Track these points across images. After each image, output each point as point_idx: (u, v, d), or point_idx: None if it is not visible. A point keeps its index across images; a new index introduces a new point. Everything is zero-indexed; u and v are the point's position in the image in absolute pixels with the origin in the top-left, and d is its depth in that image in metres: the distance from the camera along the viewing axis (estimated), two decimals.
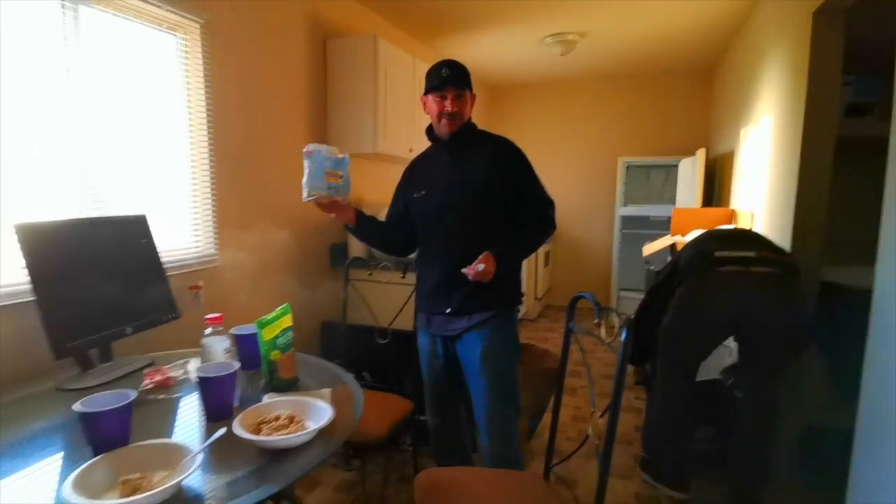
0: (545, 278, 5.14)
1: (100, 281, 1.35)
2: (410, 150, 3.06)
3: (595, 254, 5.28)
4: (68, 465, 0.95)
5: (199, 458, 0.87)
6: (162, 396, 1.25)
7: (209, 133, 1.96)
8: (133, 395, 0.97)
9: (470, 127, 1.71)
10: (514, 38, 3.81)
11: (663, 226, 4.77)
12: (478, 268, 1.49)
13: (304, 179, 1.51)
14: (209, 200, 1.97)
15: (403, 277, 2.19)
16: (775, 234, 2.31)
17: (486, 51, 4.15)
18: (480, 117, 5.25)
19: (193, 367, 1.39)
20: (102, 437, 0.92)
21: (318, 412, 1.07)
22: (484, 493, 1.35)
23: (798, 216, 2.08)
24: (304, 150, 1.51)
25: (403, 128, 2.95)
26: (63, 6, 1.48)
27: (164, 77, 1.85)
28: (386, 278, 2.21)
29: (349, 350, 2.19)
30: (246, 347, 1.37)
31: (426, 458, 2.29)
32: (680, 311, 1.87)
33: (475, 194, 1.61)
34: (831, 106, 1.98)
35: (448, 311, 1.65)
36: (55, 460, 0.98)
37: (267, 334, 1.24)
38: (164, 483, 0.83)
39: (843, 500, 1.60)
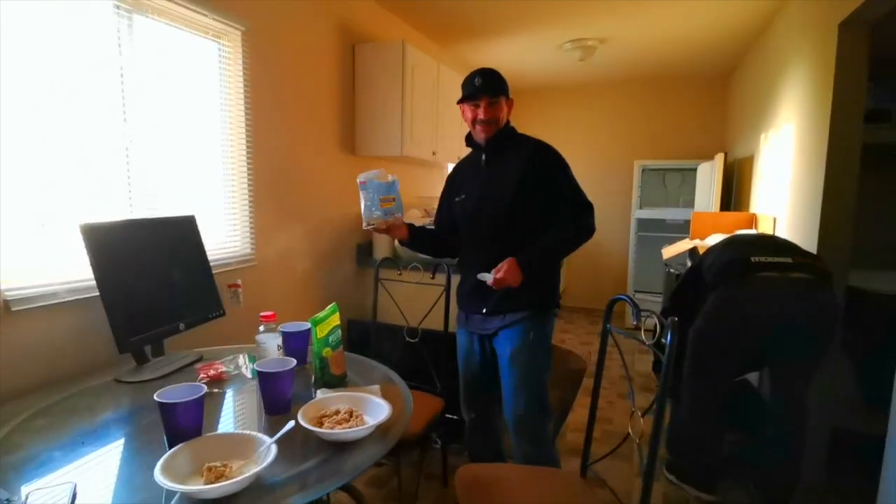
0: (560, 280, 5.17)
1: (156, 278, 1.40)
2: (434, 153, 3.11)
3: (610, 256, 5.31)
4: (142, 450, 1.00)
5: (274, 448, 0.91)
6: (216, 390, 1.29)
7: (247, 137, 2.01)
8: (204, 388, 1.01)
9: (507, 131, 1.75)
10: (535, 43, 3.85)
11: (679, 229, 4.80)
12: (497, 276, 1.53)
13: (363, 210, 1.59)
14: (247, 201, 2.03)
15: (433, 278, 2.23)
16: (800, 238, 2.34)
17: (507, 56, 4.19)
18: None
19: (243, 362, 1.44)
20: (179, 425, 0.96)
21: (375, 407, 1.12)
22: (523, 489, 1.38)
23: (824, 221, 2.09)
24: (358, 181, 1.58)
25: (428, 131, 3.00)
26: (118, 14, 1.53)
27: (207, 83, 1.90)
28: (416, 278, 2.25)
29: (378, 348, 2.24)
30: (293, 344, 1.41)
31: (455, 456, 2.34)
32: (714, 316, 1.86)
33: (508, 196, 1.65)
34: (856, 115, 2.00)
35: (484, 311, 1.70)
36: (129, 445, 1.03)
37: (320, 331, 1.28)
38: (244, 471, 0.87)
39: (868, 499, 1.63)
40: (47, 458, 0.95)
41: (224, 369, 1.38)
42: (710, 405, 1.96)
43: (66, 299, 1.35)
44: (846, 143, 2.02)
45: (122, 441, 1.05)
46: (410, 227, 1.80)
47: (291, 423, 1.00)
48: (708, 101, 4.81)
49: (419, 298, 2.29)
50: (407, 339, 2.14)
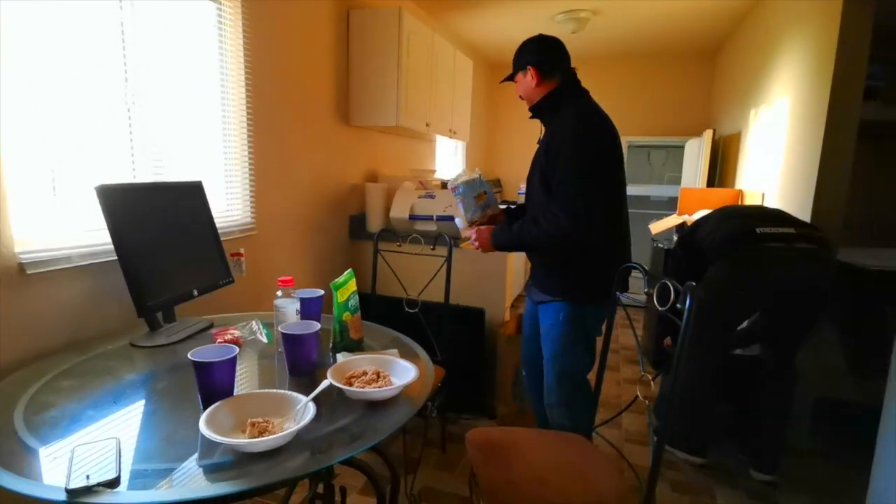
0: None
1: (170, 244, 1.37)
2: (427, 125, 3.08)
3: None
4: (176, 408, 1.00)
5: (311, 406, 0.93)
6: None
7: (247, 103, 1.95)
8: (236, 348, 1.01)
9: (541, 104, 1.64)
10: (528, 14, 3.81)
11: (663, 206, 4.91)
12: (472, 235, 1.67)
13: (463, 216, 1.65)
14: (247, 169, 1.98)
15: (433, 249, 2.24)
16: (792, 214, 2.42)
17: (500, 27, 4.14)
18: (482, 93, 5.28)
19: (257, 327, 1.44)
20: (215, 384, 0.96)
21: (401, 369, 1.13)
22: (535, 450, 1.43)
23: (818, 198, 2.16)
24: (450, 188, 1.62)
25: (422, 102, 2.96)
26: None
27: (207, 45, 1.83)
28: (416, 250, 2.25)
29: (377, 319, 2.25)
30: (309, 309, 1.41)
31: (452, 424, 2.40)
32: (721, 287, 1.87)
33: (536, 181, 1.60)
34: (855, 90, 2.05)
35: (530, 281, 1.80)
36: (161, 404, 1.02)
37: (340, 296, 1.28)
38: (284, 427, 0.88)
39: (854, 466, 1.74)
40: (81, 415, 0.95)
41: (239, 334, 1.37)
42: (706, 373, 2.02)
43: (78, 264, 1.31)
44: (844, 120, 2.06)
45: (153, 400, 1.05)
46: (506, 210, 1.83)
47: (327, 382, 1.01)
48: (695, 78, 4.87)
49: (420, 269, 2.30)
50: (407, 309, 2.16)
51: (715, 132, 3.98)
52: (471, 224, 1.67)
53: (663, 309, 1.28)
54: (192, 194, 1.51)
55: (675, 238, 2.90)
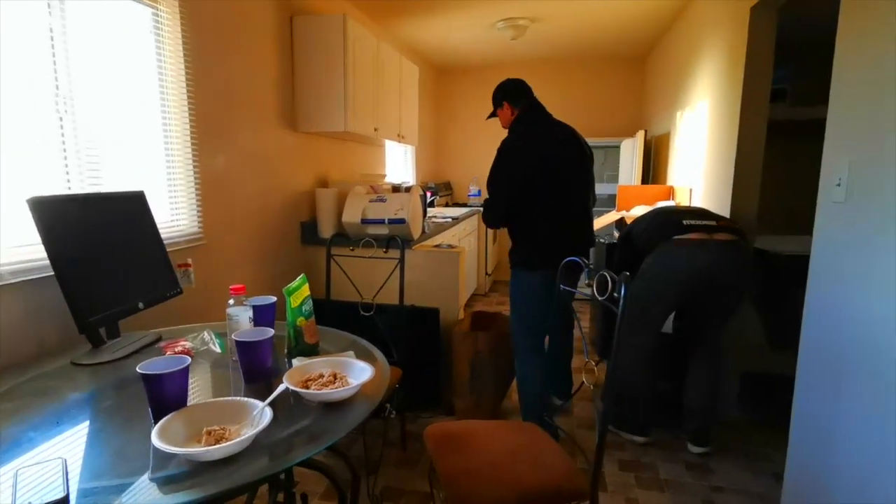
0: (494, 255, 5.37)
1: (110, 256, 1.33)
2: (376, 130, 3.10)
3: None
4: (125, 425, 0.98)
5: (268, 411, 0.94)
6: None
7: (189, 110, 1.91)
8: (188, 359, 1.01)
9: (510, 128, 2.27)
10: (469, 22, 3.91)
11: (603, 203, 5.15)
12: None
13: None
14: (192, 178, 1.94)
15: (386, 252, 2.27)
16: (714, 207, 2.63)
17: (439, 33, 4.22)
18: (429, 98, 5.35)
19: (209, 338, 1.42)
20: (167, 397, 0.95)
21: (357, 369, 1.16)
22: (489, 438, 1.49)
23: (736, 191, 2.37)
24: None
25: (369, 108, 2.98)
26: None
27: (143, 51, 1.78)
28: (369, 253, 2.28)
29: (333, 324, 2.25)
30: (261, 317, 1.41)
31: (411, 424, 2.43)
32: (652, 273, 2.07)
33: None
34: (763, 92, 2.27)
35: None
36: (110, 421, 1.00)
37: (294, 301, 1.30)
38: (241, 434, 0.89)
39: (778, 430, 1.92)
40: (25, 439, 0.91)
41: (190, 345, 1.35)
42: (646, 355, 2.18)
43: (10, 281, 1.25)
44: (755, 119, 2.29)
45: (99, 419, 1.02)
46: None
47: (283, 386, 1.02)
48: (628, 81, 5.15)
49: (374, 273, 2.32)
50: (362, 312, 2.18)
51: (647, 133, 4.23)
52: None
53: (602, 298, 1.38)
54: (133, 204, 1.47)
55: (616, 234, 3.08)
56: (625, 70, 5.14)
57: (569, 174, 2.13)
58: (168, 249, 1.76)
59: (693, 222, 2.03)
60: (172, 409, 0.94)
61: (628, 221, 2.90)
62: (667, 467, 2.08)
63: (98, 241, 1.31)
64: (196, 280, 1.93)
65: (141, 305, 1.38)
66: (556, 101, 5.36)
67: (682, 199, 3.28)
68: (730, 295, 2.08)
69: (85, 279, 1.24)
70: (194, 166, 1.95)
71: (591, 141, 5.23)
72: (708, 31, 2.94)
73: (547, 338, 2.39)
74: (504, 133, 2.26)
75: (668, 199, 3.46)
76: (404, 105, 3.65)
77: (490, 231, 5.07)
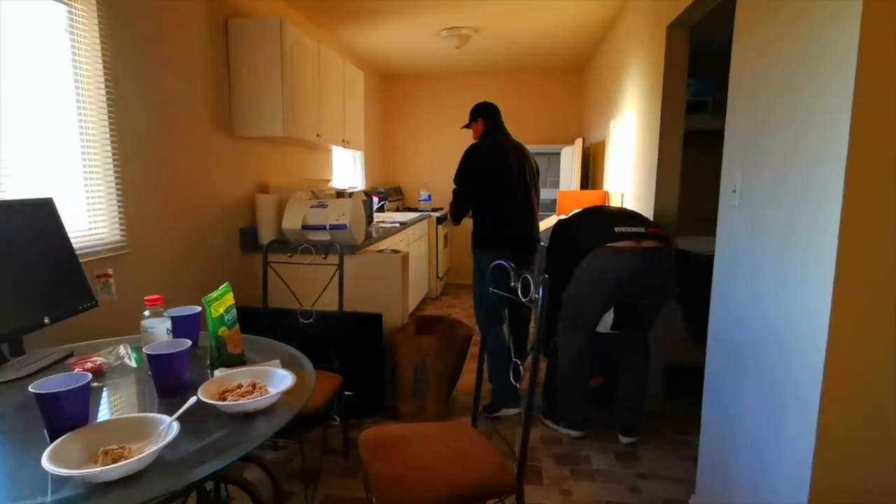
0: (445, 259, 5.41)
1: (12, 268, 1.25)
2: (318, 135, 3.07)
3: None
4: (20, 450, 0.93)
5: (175, 425, 0.91)
6: (96, 384, 1.22)
7: (109, 114, 1.83)
8: (89, 375, 0.97)
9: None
10: (413, 29, 3.94)
11: (546, 207, 5.29)
12: None
13: None
14: (112, 184, 1.85)
15: (325, 258, 2.25)
16: (641, 210, 2.76)
17: (384, 39, 4.23)
18: (377, 103, 5.35)
19: (125, 352, 1.36)
20: (63, 417, 0.91)
21: (278, 378, 1.15)
22: (422, 441, 1.51)
23: (658, 195, 2.51)
24: None
25: (310, 113, 2.95)
26: None
27: (55, 51, 1.69)
28: (307, 260, 2.25)
29: (271, 333, 2.20)
30: (183, 328, 1.37)
31: (354, 430, 2.41)
32: (586, 277, 2.17)
33: None
34: (680, 103, 2.43)
35: None
36: (3, 444, 0.94)
37: (214, 311, 1.27)
38: (144, 451, 0.86)
39: (698, 417, 2.02)
40: None
41: (102, 361, 1.30)
42: (581, 353, 2.28)
43: None
44: (673, 129, 2.45)
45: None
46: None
47: (194, 399, 1.00)
48: (567, 91, 5.34)
49: (312, 279, 2.29)
50: (301, 320, 2.15)
51: (585, 140, 4.39)
52: None
53: (524, 299, 1.42)
54: (39, 212, 1.39)
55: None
56: (564, 80, 5.33)
57: (518, 180, 2.62)
58: (85, 259, 1.69)
59: (624, 230, 2.14)
60: (71, 430, 0.90)
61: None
62: (598, 459, 2.17)
63: None
64: (119, 292, 1.84)
65: (47, 320, 1.31)
66: (501, 109, 5.47)
67: (614, 203, 3.43)
68: (655, 297, 2.23)
69: None
70: (115, 172, 1.87)
71: (534, 148, 5.43)
72: (634, 47, 3.10)
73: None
74: (467, 143, 2.85)
75: (603, 202, 3.61)
76: (349, 110, 3.62)
77: (442, 235, 5.11)
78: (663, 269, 2.18)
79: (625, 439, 2.29)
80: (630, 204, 3.05)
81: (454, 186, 2.65)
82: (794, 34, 1.24)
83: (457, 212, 2.67)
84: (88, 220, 1.77)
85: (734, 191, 1.50)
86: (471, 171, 2.60)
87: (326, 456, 2.20)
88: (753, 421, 1.39)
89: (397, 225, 3.81)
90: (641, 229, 2.17)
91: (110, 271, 1.75)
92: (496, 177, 2.56)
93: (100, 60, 1.79)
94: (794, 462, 1.19)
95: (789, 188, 1.24)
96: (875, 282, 1.05)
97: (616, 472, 2.06)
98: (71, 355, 1.37)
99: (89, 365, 1.26)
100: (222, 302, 1.30)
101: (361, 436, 1.51)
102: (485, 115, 2.79)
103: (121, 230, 1.88)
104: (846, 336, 1.07)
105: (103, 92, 1.80)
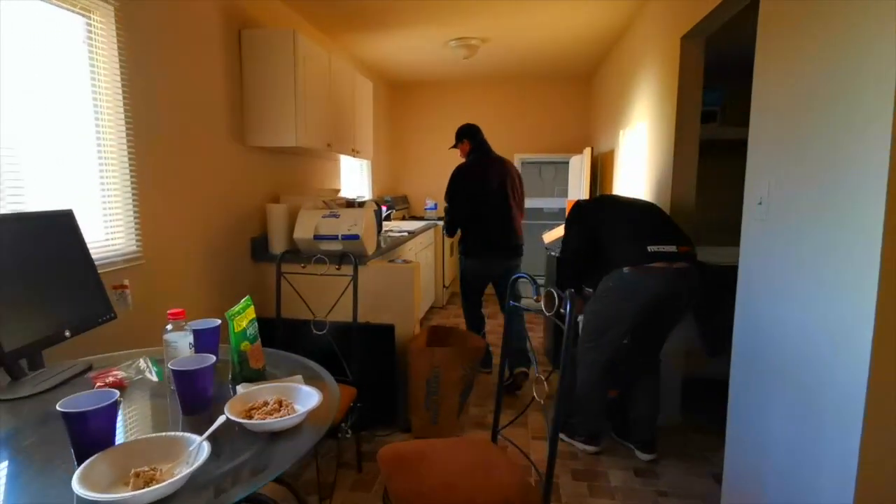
0: (451, 267, 5.40)
1: (32, 281, 1.24)
2: (329, 145, 3.07)
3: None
4: (45, 468, 0.91)
5: (206, 446, 0.89)
6: (119, 399, 1.20)
7: (126, 125, 1.83)
8: (116, 392, 0.95)
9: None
10: (422, 39, 3.95)
11: (554, 216, 5.28)
12: None
13: None
14: (129, 195, 1.84)
15: (339, 269, 2.23)
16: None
17: (394, 49, 4.24)
18: (384, 112, 5.36)
19: (145, 365, 1.35)
20: (90, 437, 0.89)
21: (303, 395, 1.13)
22: (442, 458, 1.48)
23: (674, 206, 2.50)
24: None
25: (322, 123, 2.95)
26: None
27: (74, 63, 1.69)
28: (321, 270, 2.23)
29: (284, 344, 2.19)
30: (203, 342, 1.35)
31: (367, 443, 2.38)
32: (613, 297, 2.14)
33: None
34: (695, 113, 2.43)
35: None
36: (27, 464, 0.92)
37: (237, 325, 1.25)
38: (174, 473, 0.84)
39: (716, 432, 1.99)
40: None
41: (123, 375, 1.28)
42: (603, 372, 2.25)
43: None
44: (689, 137, 2.44)
45: (17, 461, 0.94)
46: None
47: (223, 418, 0.98)
48: (575, 100, 5.34)
49: (326, 290, 2.27)
50: (315, 331, 2.13)
51: (593, 149, 4.39)
52: None
53: (549, 314, 1.41)
54: (60, 224, 1.37)
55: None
56: (572, 89, 5.34)
57: (499, 193, 3.01)
58: (103, 270, 1.67)
59: (657, 249, 2.08)
60: (98, 449, 0.88)
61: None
62: (617, 475, 2.13)
63: (17, 263, 1.21)
64: (134, 302, 1.83)
65: (68, 333, 1.29)
66: (509, 119, 5.49)
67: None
68: (678, 315, 2.20)
69: (1, 306, 1.14)
70: (132, 182, 1.86)
71: (542, 157, 5.44)
72: (645, 57, 3.10)
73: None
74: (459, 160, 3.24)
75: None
76: (358, 120, 3.63)
77: (447, 243, 5.10)
78: (690, 290, 2.14)
79: (644, 456, 2.25)
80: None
81: (445, 204, 3.10)
82: (826, 41, 1.22)
83: (448, 226, 3.15)
84: (105, 230, 1.76)
85: (760, 203, 1.48)
86: (454, 190, 3.04)
87: (340, 469, 2.17)
88: (787, 437, 1.36)
89: (405, 234, 3.80)
90: (673, 248, 2.11)
91: (127, 282, 1.74)
92: (476, 194, 2.99)
93: (118, 72, 1.78)
94: (836, 482, 1.16)
95: (825, 200, 1.22)
96: None
97: (636, 490, 2.02)
98: (90, 369, 1.35)
99: (111, 379, 1.24)
100: (245, 316, 1.28)
101: (381, 452, 1.49)
102: (469, 136, 3.14)
103: (136, 240, 1.87)
104: (891, 350, 1.05)
105: (121, 102, 1.80)
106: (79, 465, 0.83)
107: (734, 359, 1.67)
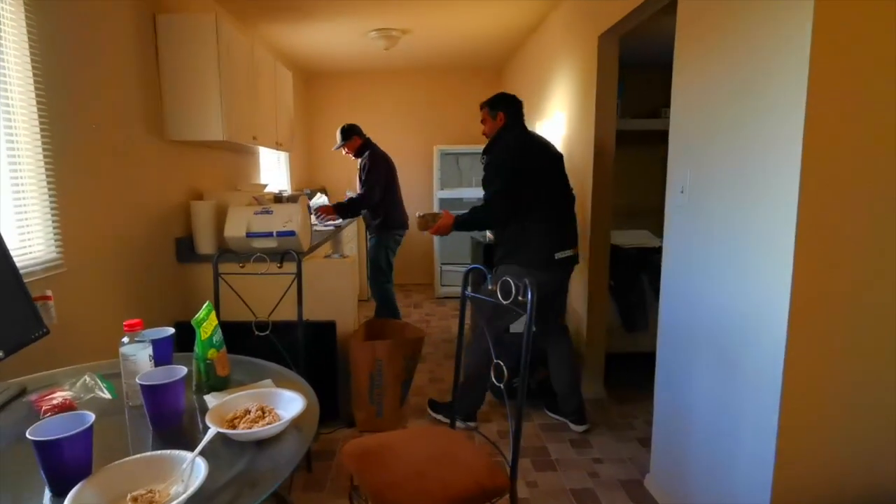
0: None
1: None
2: (255, 138, 2.93)
3: (419, 233, 5.74)
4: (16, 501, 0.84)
5: (200, 462, 0.87)
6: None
7: (40, 117, 1.62)
8: (91, 416, 0.89)
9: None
10: (342, 29, 3.86)
11: (473, 205, 5.45)
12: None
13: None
14: (46, 198, 1.64)
15: (280, 267, 2.17)
16: (576, 208, 2.96)
17: (311, 39, 4.11)
18: (300, 103, 5.18)
19: (93, 382, 1.25)
20: (68, 465, 0.83)
21: (285, 400, 1.12)
22: (408, 448, 1.53)
23: (595, 193, 2.72)
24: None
25: (247, 116, 2.81)
26: None
27: None
28: (262, 269, 2.15)
29: (228, 348, 2.08)
30: (159, 353, 1.28)
31: (314, 442, 2.36)
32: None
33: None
34: (612, 107, 2.65)
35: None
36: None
37: (203, 333, 1.21)
38: (173, 493, 0.82)
39: (638, 400, 2.24)
40: None
41: (70, 395, 1.18)
42: (489, 353, 2.38)
43: None
44: (607, 128, 2.66)
45: None
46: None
47: (213, 431, 0.96)
48: (489, 92, 5.52)
49: (267, 289, 2.20)
50: (257, 332, 2.06)
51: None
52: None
53: (507, 302, 1.49)
54: None
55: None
56: (485, 81, 5.55)
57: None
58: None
59: (561, 256, 2.33)
60: (77, 478, 0.82)
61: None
62: (555, 447, 2.34)
63: None
64: (65, 314, 1.65)
65: (1, 355, 1.16)
66: (428, 109, 5.57)
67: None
68: (565, 294, 2.57)
69: None
70: (48, 183, 1.66)
71: (460, 148, 5.58)
72: (560, 52, 3.31)
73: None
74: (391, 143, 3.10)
75: None
76: (280, 112, 3.49)
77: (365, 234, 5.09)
78: (571, 273, 2.47)
79: (578, 428, 2.47)
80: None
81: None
82: (743, 39, 1.38)
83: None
84: (20, 237, 1.56)
85: (682, 191, 1.70)
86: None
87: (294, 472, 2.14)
88: (710, 399, 1.58)
89: (332, 227, 3.75)
90: (570, 252, 2.36)
91: (49, 292, 1.56)
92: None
93: (28, 62, 1.58)
94: (757, 436, 1.35)
95: (743, 187, 1.40)
96: (830, 274, 1.22)
97: (574, 460, 2.23)
98: (24, 391, 1.22)
99: (57, 401, 1.14)
100: (209, 322, 1.25)
101: (344, 448, 1.51)
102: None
103: (57, 247, 1.68)
104: (806, 319, 1.23)
105: (33, 95, 1.60)
106: (56, 496, 0.78)
107: (660, 332, 1.90)
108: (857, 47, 1.16)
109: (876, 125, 1.19)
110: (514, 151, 2.34)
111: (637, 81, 3.72)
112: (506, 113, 2.50)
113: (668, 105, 1.82)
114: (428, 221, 2.55)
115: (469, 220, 2.42)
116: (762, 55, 1.32)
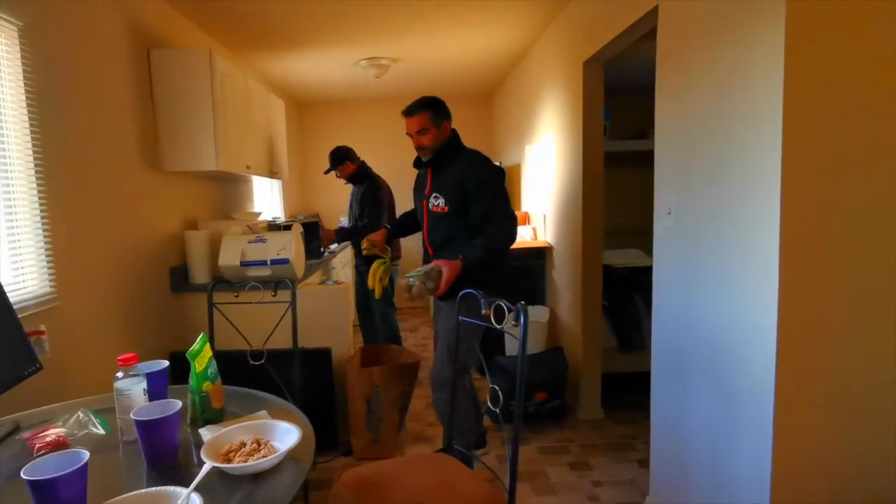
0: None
1: None
2: (248, 167, 2.96)
3: (410, 256, 5.76)
4: None
5: (196, 498, 0.86)
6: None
7: (35, 151, 1.64)
8: (86, 454, 0.89)
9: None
10: (333, 59, 3.94)
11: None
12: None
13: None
14: (40, 230, 1.66)
15: (275, 295, 2.17)
16: (568, 229, 3.00)
17: (302, 69, 4.19)
18: (293, 131, 5.25)
19: (86, 418, 1.24)
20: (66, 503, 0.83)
21: (280, 431, 1.12)
22: (407, 476, 1.52)
23: (585, 214, 2.75)
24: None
25: (241, 145, 2.85)
26: None
27: None
28: (256, 298, 2.15)
29: (223, 378, 2.07)
30: (154, 387, 1.28)
31: (313, 472, 2.33)
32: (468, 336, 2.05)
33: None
34: (599, 130, 2.72)
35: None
36: None
37: (198, 365, 1.21)
38: None
39: (636, 420, 2.23)
40: None
41: (64, 432, 1.17)
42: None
43: None
44: (595, 150, 2.72)
45: None
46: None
47: (209, 465, 0.95)
48: (478, 116, 5.69)
49: (262, 318, 2.19)
50: (251, 362, 2.05)
51: (500, 163, 4.67)
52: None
53: (500, 327, 1.50)
54: None
55: None
56: (475, 108, 5.68)
57: None
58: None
59: None
60: None
61: None
62: (554, 471, 2.31)
63: None
64: (59, 348, 1.65)
65: None
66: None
67: (537, 224, 3.69)
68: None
69: None
70: (42, 216, 1.67)
71: None
72: (547, 78, 3.39)
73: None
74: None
75: (524, 224, 3.85)
76: (274, 140, 3.54)
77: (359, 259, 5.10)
78: None
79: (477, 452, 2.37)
80: (555, 223, 3.27)
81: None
82: (721, 66, 1.44)
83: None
84: (14, 272, 1.57)
85: (669, 213, 1.73)
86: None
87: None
88: (706, 420, 1.58)
89: (326, 254, 3.76)
90: None
91: (43, 327, 1.56)
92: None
93: (23, 97, 1.61)
94: (754, 459, 1.35)
95: (727, 208, 1.43)
96: (815, 289, 1.24)
97: (573, 483, 2.21)
98: (17, 429, 1.21)
99: (50, 438, 1.13)
100: (204, 354, 1.25)
101: (342, 478, 1.50)
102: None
103: (50, 281, 1.68)
104: (794, 338, 1.25)
105: (27, 130, 1.62)
106: None
107: (654, 353, 1.91)
108: (830, 75, 1.22)
109: (852, 148, 1.23)
110: (500, 171, 2.22)
111: (624, 104, 3.81)
112: (449, 122, 2.24)
113: (654, 126, 1.87)
114: (425, 286, 2.03)
115: (484, 256, 2.00)
116: (739, 82, 1.38)
